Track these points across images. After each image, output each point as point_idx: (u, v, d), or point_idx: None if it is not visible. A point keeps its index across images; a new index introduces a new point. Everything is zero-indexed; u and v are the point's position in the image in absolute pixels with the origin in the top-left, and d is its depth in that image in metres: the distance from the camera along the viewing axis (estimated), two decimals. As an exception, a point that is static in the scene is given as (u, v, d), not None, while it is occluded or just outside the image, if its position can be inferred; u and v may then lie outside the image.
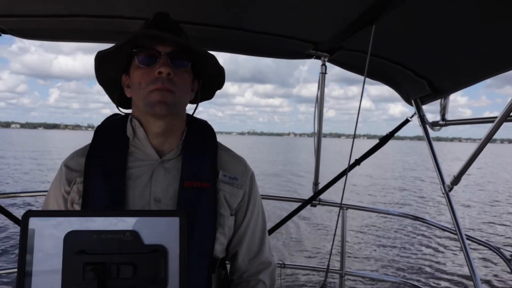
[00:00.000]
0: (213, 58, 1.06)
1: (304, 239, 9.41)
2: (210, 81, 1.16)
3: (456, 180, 1.95)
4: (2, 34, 1.92)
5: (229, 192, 1.12)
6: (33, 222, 0.74)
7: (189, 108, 1.16)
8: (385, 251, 8.90)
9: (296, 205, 2.38)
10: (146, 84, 1.00)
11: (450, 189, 1.99)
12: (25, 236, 0.73)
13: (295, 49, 2.04)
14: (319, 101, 2.30)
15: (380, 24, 1.41)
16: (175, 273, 0.77)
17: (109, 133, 1.12)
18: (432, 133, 2.17)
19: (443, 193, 2.01)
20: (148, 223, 0.77)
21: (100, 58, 1.06)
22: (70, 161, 1.10)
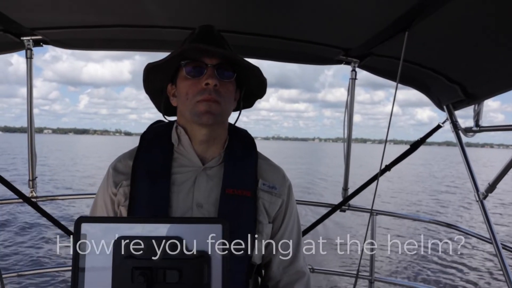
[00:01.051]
0: (257, 69, 1.09)
1: (332, 243, 9.32)
2: (252, 90, 1.20)
3: (491, 187, 1.90)
4: (43, 45, 2.03)
5: (268, 200, 1.15)
6: (85, 228, 0.79)
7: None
8: (416, 258, 8.70)
9: (324, 209, 2.38)
10: (193, 95, 1.04)
11: (485, 197, 1.94)
12: (77, 241, 0.78)
13: (326, 55, 2.05)
14: (349, 107, 2.29)
15: (413, 30, 1.41)
16: (218, 279, 0.80)
17: (155, 139, 1.17)
18: (464, 139, 2.13)
19: (477, 201, 1.96)
20: (192, 230, 0.80)
21: (149, 69, 1.11)
22: (118, 164, 1.15)
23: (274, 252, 1.20)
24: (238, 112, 1.23)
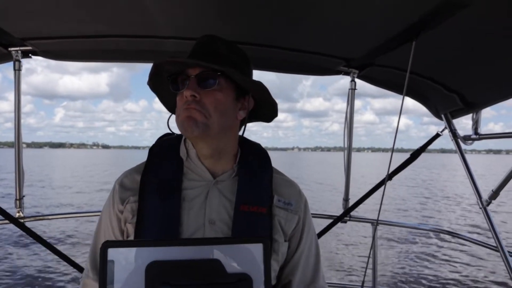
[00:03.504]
0: (238, 74, 1.02)
1: (332, 255, 9.25)
2: (264, 100, 1.13)
3: (495, 194, 1.92)
4: (32, 56, 1.94)
5: (284, 217, 1.09)
6: (112, 253, 0.72)
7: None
8: (418, 268, 8.62)
9: (325, 221, 2.35)
10: (179, 108, 1.01)
11: (488, 204, 1.95)
12: (104, 268, 0.71)
13: (326, 66, 2.03)
14: (349, 117, 2.29)
15: (419, 41, 1.40)
16: None
17: (164, 153, 1.11)
18: (463, 146, 2.15)
19: (480, 208, 1.97)
20: (230, 251, 0.75)
21: (153, 87, 1.09)
22: (125, 179, 1.09)
23: (292, 273, 1.14)
24: (254, 122, 1.19)
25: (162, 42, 1.71)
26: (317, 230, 2.31)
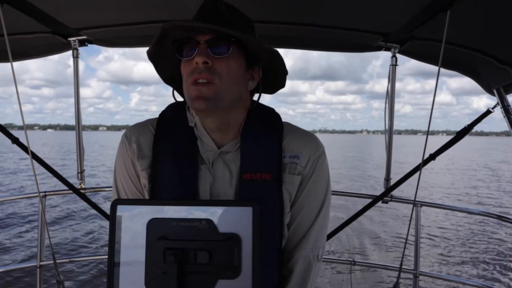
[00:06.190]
0: (255, 40, 0.97)
1: (375, 236, 9.11)
2: (275, 70, 1.06)
3: None
4: (88, 44, 2.15)
5: (291, 182, 1.03)
6: (120, 210, 0.83)
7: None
8: (463, 253, 8.31)
9: (366, 201, 2.33)
10: (187, 76, 0.95)
11: None
12: (113, 221, 0.82)
13: (364, 42, 2.00)
14: (390, 95, 2.22)
15: (456, 9, 1.33)
16: (249, 261, 0.81)
17: (174, 120, 1.09)
18: None
19: None
20: (222, 212, 0.82)
21: (153, 58, 1.04)
22: (140, 137, 1.06)
23: (289, 228, 1.06)
24: (264, 93, 1.12)
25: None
26: (357, 209, 2.30)
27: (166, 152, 1.03)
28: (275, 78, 1.09)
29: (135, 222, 0.82)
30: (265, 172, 1.00)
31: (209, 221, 0.82)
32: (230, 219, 0.82)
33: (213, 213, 0.82)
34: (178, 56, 0.97)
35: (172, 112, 1.10)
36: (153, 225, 0.81)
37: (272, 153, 1.03)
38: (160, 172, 1.02)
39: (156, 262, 0.80)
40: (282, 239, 1.04)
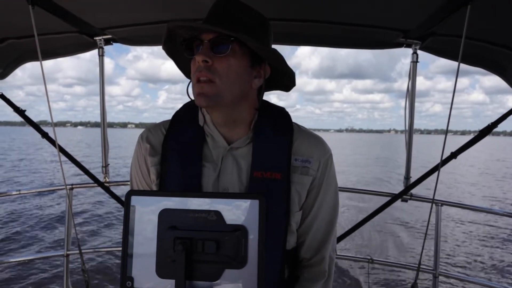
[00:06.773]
0: (254, 40, 0.97)
1: (395, 234, 8.97)
2: (281, 69, 1.07)
3: None
4: (113, 43, 2.23)
5: (300, 182, 1.06)
6: (134, 200, 0.88)
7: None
8: (486, 254, 8.07)
9: (386, 199, 2.31)
10: (193, 74, 0.99)
11: None
12: (127, 211, 0.87)
13: (384, 39, 1.98)
14: (410, 92, 2.19)
15: (477, 3, 1.31)
16: (254, 252, 0.84)
17: (186, 119, 1.13)
18: None
19: None
20: (230, 205, 0.85)
21: (171, 55, 1.10)
22: (151, 136, 1.13)
23: (304, 235, 1.12)
24: (275, 90, 1.16)
25: None
26: (376, 207, 2.29)
27: (173, 151, 1.08)
28: (283, 77, 1.11)
29: (147, 211, 0.87)
30: (275, 171, 1.03)
31: (217, 213, 0.85)
32: (238, 211, 0.85)
33: (222, 205, 0.86)
34: (186, 54, 1.02)
35: (185, 112, 1.15)
36: (165, 215, 0.86)
37: (283, 153, 1.06)
38: (167, 169, 1.08)
39: (166, 249, 0.84)
40: (289, 235, 1.07)
